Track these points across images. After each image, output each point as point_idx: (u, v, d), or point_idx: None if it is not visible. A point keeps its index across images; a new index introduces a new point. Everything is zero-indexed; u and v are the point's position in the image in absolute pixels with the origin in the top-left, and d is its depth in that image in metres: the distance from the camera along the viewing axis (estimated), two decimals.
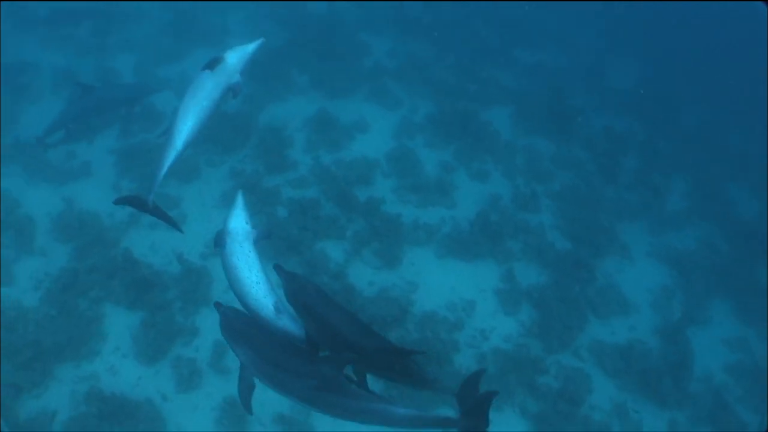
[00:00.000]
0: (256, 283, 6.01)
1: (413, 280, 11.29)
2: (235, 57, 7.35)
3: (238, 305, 5.86)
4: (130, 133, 13.32)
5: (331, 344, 5.59)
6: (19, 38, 17.02)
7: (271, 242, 9.81)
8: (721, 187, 15.23)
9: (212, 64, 7.09)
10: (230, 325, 5.64)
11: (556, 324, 10.95)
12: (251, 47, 7.46)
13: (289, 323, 5.95)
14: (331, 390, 5.18)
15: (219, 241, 6.34)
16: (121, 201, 7.07)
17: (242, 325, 5.61)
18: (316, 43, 16.40)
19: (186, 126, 7.01)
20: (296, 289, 5.77)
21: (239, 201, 6.61)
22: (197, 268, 10.94)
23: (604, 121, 16.18)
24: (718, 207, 14.53)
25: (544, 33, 19.76)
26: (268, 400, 6.66)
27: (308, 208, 11.61)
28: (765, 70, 17.43)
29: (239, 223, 6.38)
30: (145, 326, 10.15)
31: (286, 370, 5.34)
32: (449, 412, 5.62)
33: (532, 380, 10.19)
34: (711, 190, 14.95)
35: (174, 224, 7.17)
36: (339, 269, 11.06)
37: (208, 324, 10.08)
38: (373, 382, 5.70)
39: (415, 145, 13.96)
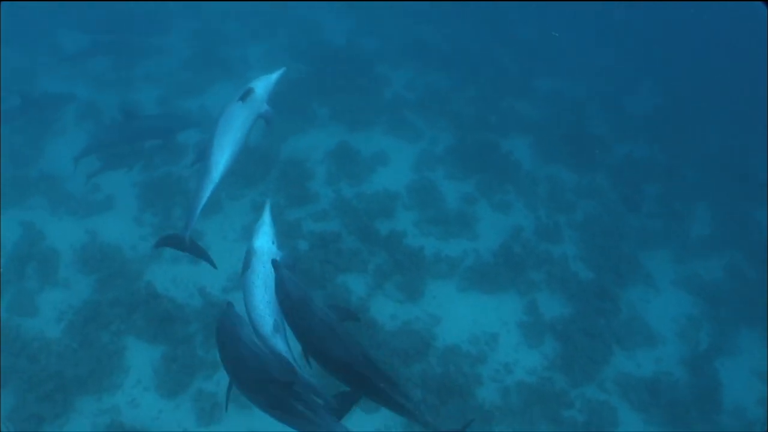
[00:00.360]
0: (266, 303, 6.19)
1: (435, 313, 11.19)
2: (262, 87, 7.69)
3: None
4: (152, 165, 13.43)
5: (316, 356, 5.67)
6: (46, 73, 17.42)
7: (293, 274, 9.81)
8: (746, 212, 14.95)
9: (244, 95, 7.36)
10: (224, 326, 5.70)
11: (581, 356, 10.77)
12: (275, 76, 7.81)
13: (280, 344, 6.14)
14: (279, 408, 5.35)
15: (246, 264, 6.41)
16: (160, 244, 7.02)
17: (233, 331, 5.64)
18: (335, 75, 16.55)
19: (223, 158, 7.24)
20: (284, 299, 5.77)
21: (267, 217, 6.75)
22: (219, 302, 10.89)
23: (625, 149, 16.10)
24: (744, 233, 14.24)
25: (562, 61, 19.75)
26: None
27: (330, 242, 11.60)
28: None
29: (266, 242, 6.52)
30: (166, 360, 10.12)
31: (244, 383, 5.57)
32: None
33: (556, 414, 10.01)
34: (736, 215, 14.68)
35: (210, 261, 7.23)
36: (361, 303, 10.98)
37: None
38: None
39: (436, 177, 13.95)
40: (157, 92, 16.05)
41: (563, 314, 11.51)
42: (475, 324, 11.21)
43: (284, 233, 11.95)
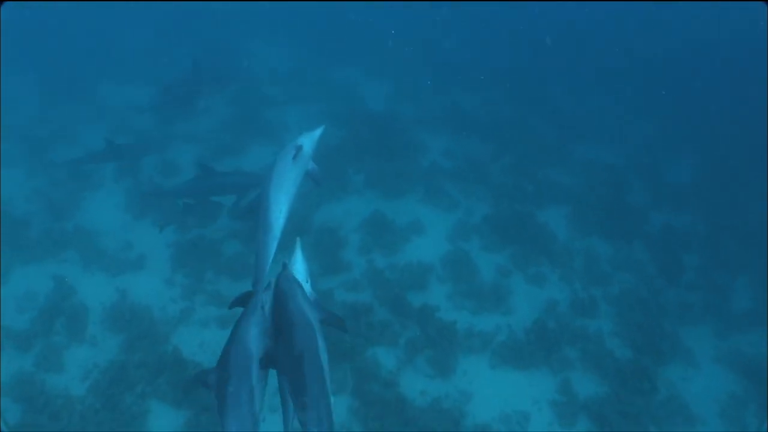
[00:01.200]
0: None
1: (466, 389, 10.87)
2: (309, 145, 8.06)
3: None
4: (186, 227, 13.48)
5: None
6: (88, 125, 17.78)
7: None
8: None
9: (296, 154, 7.69)
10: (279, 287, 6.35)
11: None
12: (317, 133, 8.24)
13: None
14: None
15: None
16: (235, 304, 6.97)
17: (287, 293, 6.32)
18: (372, 141, 16.62)
19: (281, 214, 7.35)
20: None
21: (298, 255, 6.92)
22: None
23: (664, 218, 15.80)
24: None
25: (600, 128, 19.66)
26: None
27: (361, 313, 11.43)
28: None
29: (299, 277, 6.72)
30: (189, 426, 9.97)
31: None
32: None
33: None
34: None
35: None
36: (391, 377, 10.74)
37: None
38: None
39: (471, 248, 13.77)
40: (194, 151, 16.20)
41: (598, 393, 11.10)
42: (506, 402, 10.84)
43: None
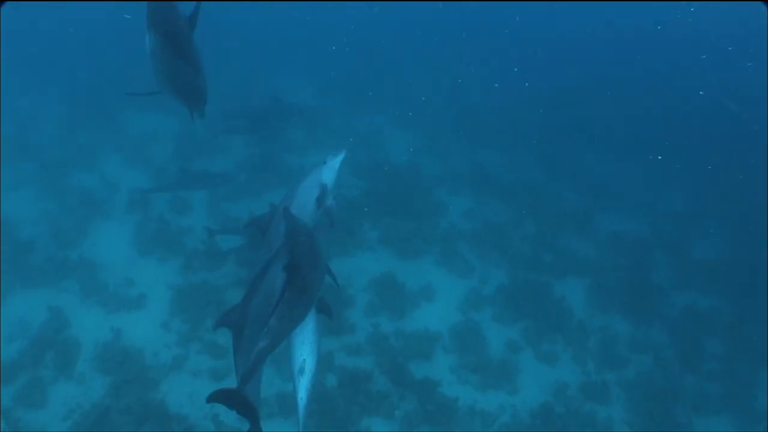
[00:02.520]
0: (300, 343, 8.11)
1: None
2: (329, 177, 8.79)
3: None
4: (191, 268, 13.11)
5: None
6: (109, 153, 17.63)
7: (314, 414, 9.18)
8: None
9: (319, 200, 8.50)
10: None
11: None
12: (338, 160, 8.96)
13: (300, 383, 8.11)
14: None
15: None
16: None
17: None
18: (391, 196, 16.17)
19: None
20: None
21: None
22: None
23: (687, 299, 15.03)
24: None
25: (627, 198, 19.02)
26: None
27: (360, 380, 10.93)
28: None
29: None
30: None
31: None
32: None
33: None
34: None
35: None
36: None
37: None
38: None
39: (482, 318, 13.21)
40: (209, 192, 15.85)
41: None
42: None
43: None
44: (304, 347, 8.35)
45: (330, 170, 8.92)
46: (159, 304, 12.57)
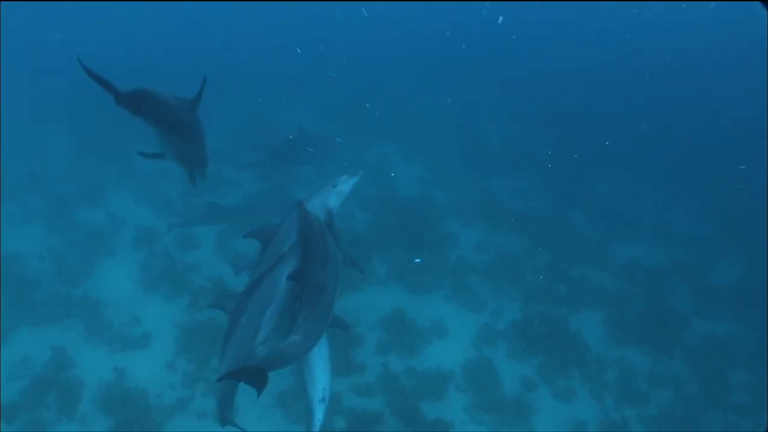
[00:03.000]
0: (321, 372, 8.41)
1: None
2: (337, 203, 8.87)
3: None
4: (197, 306, 12.85)
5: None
6: (117, 187, 17.50)
7: None
8: None
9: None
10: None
11: None
12: (352, 183, 9.12)
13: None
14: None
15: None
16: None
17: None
18: (401, 230, 15.87)
19: None
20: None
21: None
22: None
23: (709, 328, 14.53)
24: None
25: (643, 225, 18.56)
26: None
27: (369, 422, 10.58)
28: None
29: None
30: None
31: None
32: None
33: None
34: None
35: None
36: None
37: None
38: None
39: (495, 354, 12.78)
40: (216, 229, 15.61)
41: None
42: None
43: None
44: (325, 376, 8.58)
45: (338, 195, 8.90)
46: (164, 343, 12.32)
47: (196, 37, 32.16)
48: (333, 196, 8.89)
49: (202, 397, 11.28)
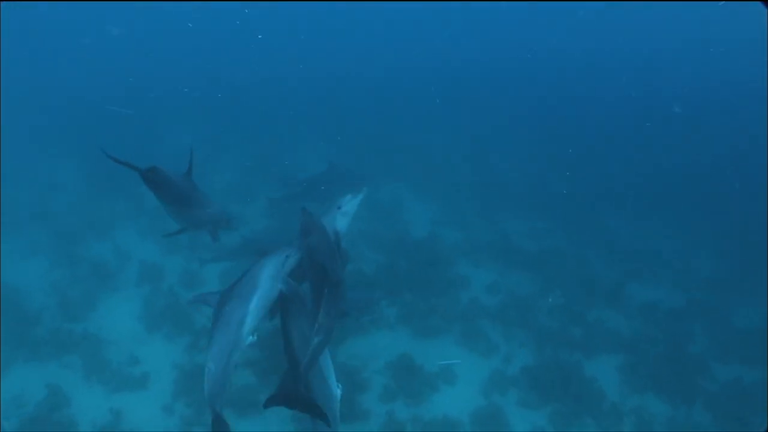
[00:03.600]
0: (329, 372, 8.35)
1: None
2: (344, 225, 9.19)
3: None
4: (198, 348, 12.49)
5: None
6: (125, 222, 17.34)
7: None
8: None
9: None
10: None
11: None
12: (356, 203, 9.42)
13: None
14: None
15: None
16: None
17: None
18: (410, 271, 15.46)
19: None
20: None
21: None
22: None
23: (730, 373, 13.90)
24: None
25: (661, 265, 18.06)
26: None
27: None
28: None
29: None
30: None
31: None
32: None
33: None
34: None
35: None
36: None
37: None
38: None
39: (506, 402, 12.23)
40: (222, 266, 15.34)
41: None
42: None
43: None
44: (332, 376, 8.64)
45: (344, 216, 9.05)
46: (162, 384, 11.94)
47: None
48: (339, 217, 9.03)
49: None
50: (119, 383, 11.96)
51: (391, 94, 30.19)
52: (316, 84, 31.48)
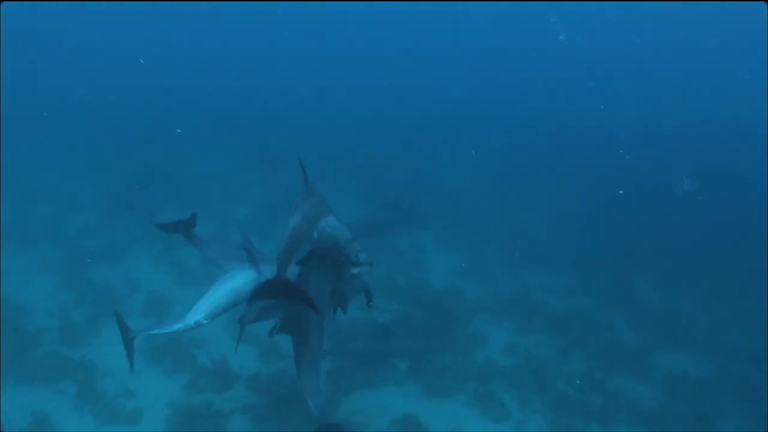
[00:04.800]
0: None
1: None
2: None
3: None
4: (197, 387, 11.98)
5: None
6: (137, 248, 17.04)
7: None
8: None
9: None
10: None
11: None
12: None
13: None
14: None
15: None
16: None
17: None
18: (427, 327, 14.83)
19: None
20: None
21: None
22: None
23: None
24: None
25: (690, 332, 17.14)
26: None
27: None
28: None
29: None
30: None
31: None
32: None
33: None
34: None
35: None
36: None
37: None
38: None
39: None
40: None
41: None
42: None
43: None
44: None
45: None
46: (154, 422, 11.42)
47: None
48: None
49: None
50: (111, 416, 11.51)
51: (422, 139, 30.05)
52: (344, 128, 31.50)
